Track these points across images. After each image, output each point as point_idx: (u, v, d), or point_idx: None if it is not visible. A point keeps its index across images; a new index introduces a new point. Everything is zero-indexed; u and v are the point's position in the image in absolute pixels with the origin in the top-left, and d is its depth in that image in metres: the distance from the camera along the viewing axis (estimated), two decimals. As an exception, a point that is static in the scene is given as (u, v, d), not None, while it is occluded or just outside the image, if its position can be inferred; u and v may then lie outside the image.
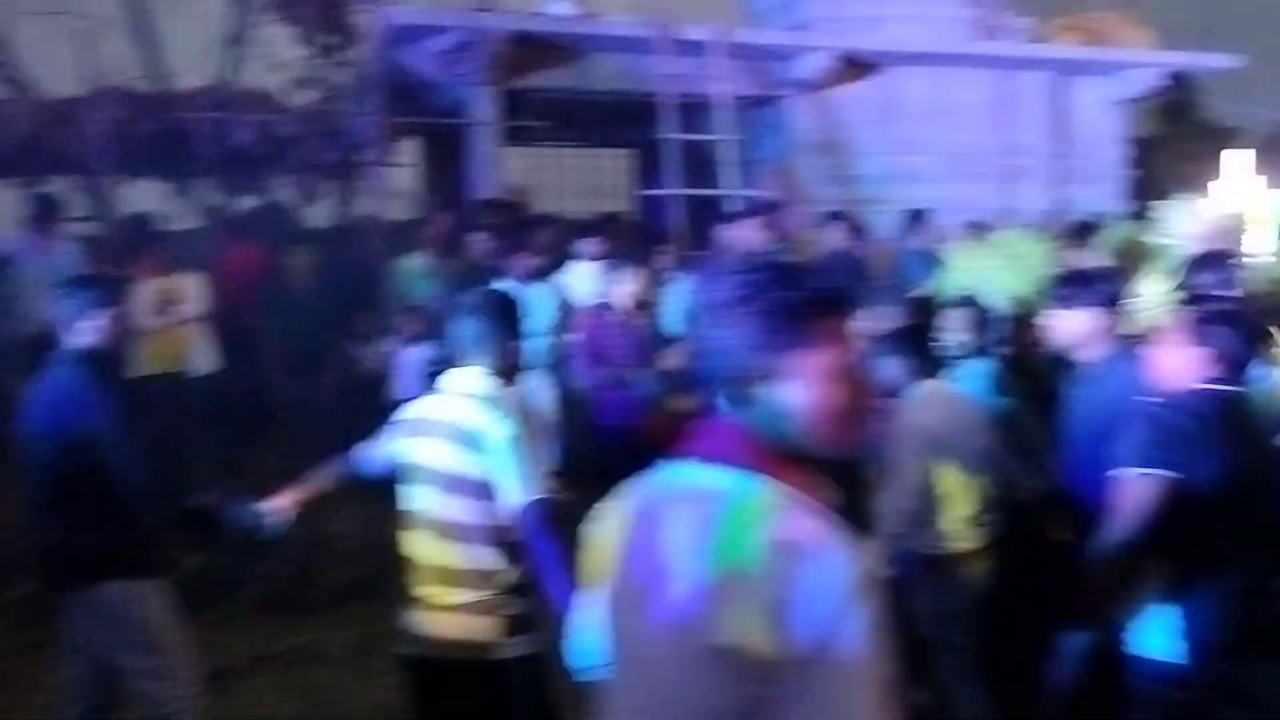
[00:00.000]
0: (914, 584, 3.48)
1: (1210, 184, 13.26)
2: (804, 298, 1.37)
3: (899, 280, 6.18)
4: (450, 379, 2.89)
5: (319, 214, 9.73)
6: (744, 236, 6.97)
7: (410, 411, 2.98)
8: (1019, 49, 10.00)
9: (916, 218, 8.04)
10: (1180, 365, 2.71)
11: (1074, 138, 10.25)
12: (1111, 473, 2.59)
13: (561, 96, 8.94)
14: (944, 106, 9.81)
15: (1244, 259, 4.67)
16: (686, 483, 1.38)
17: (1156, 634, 2.55)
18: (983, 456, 3.48)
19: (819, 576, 1.22)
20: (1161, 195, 9.88)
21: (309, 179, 9.36)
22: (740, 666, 1.23)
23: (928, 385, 3.59)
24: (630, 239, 7.91)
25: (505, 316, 2.93)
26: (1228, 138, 15.13)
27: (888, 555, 3.47)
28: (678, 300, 6.09)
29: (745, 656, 1.22)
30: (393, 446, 2.97)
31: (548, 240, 7.14)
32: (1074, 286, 3.46)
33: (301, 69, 9.61)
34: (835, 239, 7.38)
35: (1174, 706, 2.49)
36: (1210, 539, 2.53)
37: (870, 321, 4.11)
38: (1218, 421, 2.60)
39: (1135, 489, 2.53)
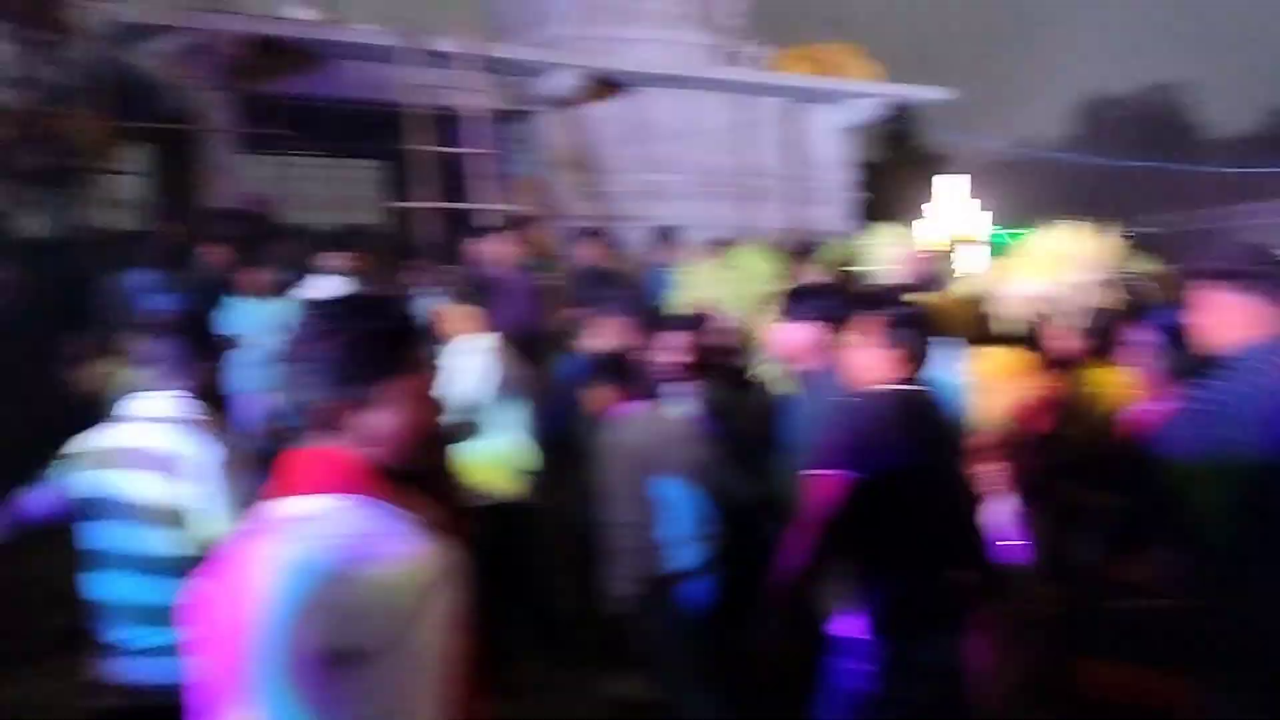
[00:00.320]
0: (642, 600, 3.52)
1: (927, 207, 14.59)
2: (388, 328, 1.51)
3: (648, 296, 6.36)
4: (143, 403, 2.69)
5: (33, 224, 8.89)
6: (496, 251, 6.98)
7: (98, 441, 2.72)
8: (756, 75, 10.57)
9: (665, 235, 8.31)
10: (871, 366, 2.90)
11: (807, 161, 10.95)
12: (804, 474, 2.77)
13: (306, 104, 8.63)
14: (689, 128, 10.24)
15: (948, 278, 5.09)
16: (279, 515, 1.45)
17: (846, 616, 2.77)
18: (698, 471, 3.55)
19: (392, 578, 1.39)
20: (886, 217, 10.76)
21: (20, 186, 8.54)
22: (326, 667, 1.34)
23: (640, 404, 3.65)
24: (379, 253, 7.72)
25: (200, 336, 2.77)
26: (945, 164, 16.68)
27: (621, 574, 3.52)
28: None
29: (330, 657, 1.34)
30: (78, 480, 2.73)
31: (288, 253, 6.85)
32: (795, 301, 3.64)
33: (11, 67, 8.77)
34: (587, 255, 7.52)
35: (858, 681, 2.72)
36: (893, 527, 2.73)
37: (608, 340, 4.20)
38: (905, 417, 2.79)
39: (823, 487, 2.71)
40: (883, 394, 2.85)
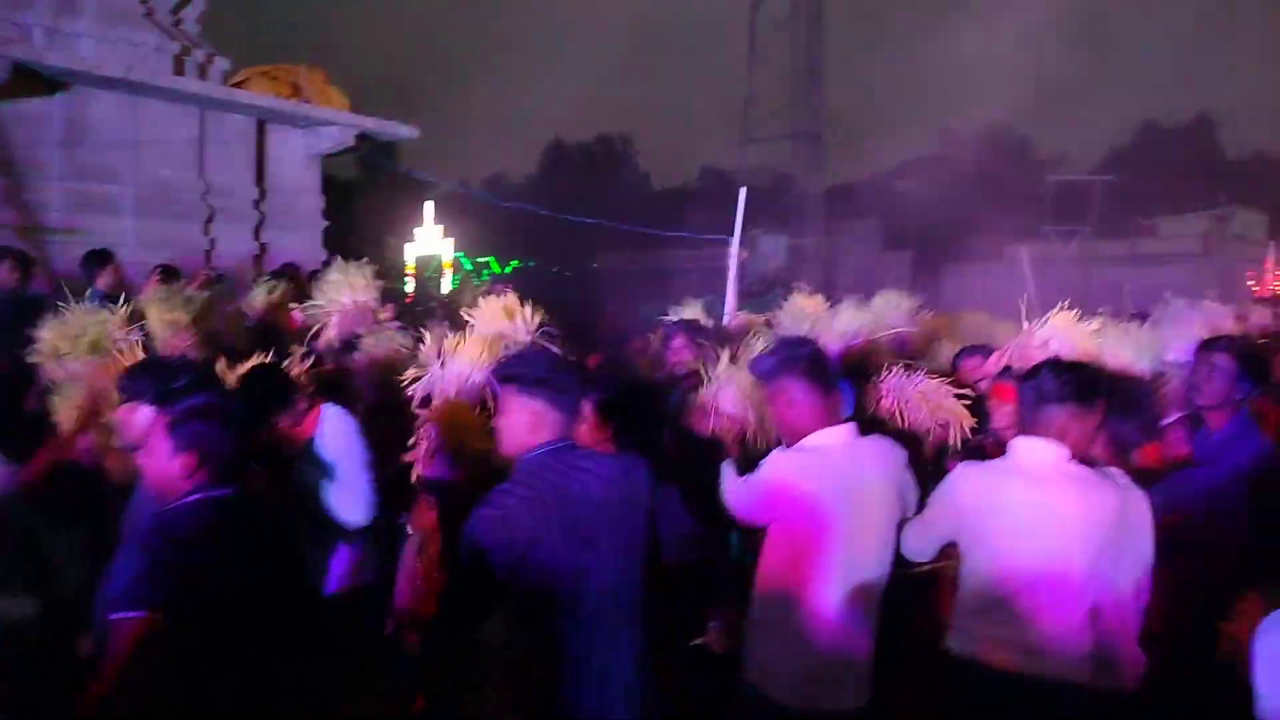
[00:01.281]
0: None
1: (414, 231, 15.29)
2: None
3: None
4: None
5: None
6: None
7: None
8: (219, 90, 9.96)
9: (100, 259, 7.33)
10: (165, 474, 2.45)
11: (274, 184, 10.55)
12: (110, 614, 2.28)
13: None
14: (140, 137, 9.37)
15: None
16: None
17: None
18: None
19: None
20: (357, 244, 10.63)
21: None
22: None
23: None
24: None
25: None
26: (416, 194, 17.22)
27: None
28: None
29: None
30: None
31: None
32: (130, 378, 3.06)
33: None
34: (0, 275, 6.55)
35: None
36: (202, 667, 2.31)
37: None
38: (217, 534, 2.39)
39: (130, 631, 2.22)
40: (186, 508, 2.42)
